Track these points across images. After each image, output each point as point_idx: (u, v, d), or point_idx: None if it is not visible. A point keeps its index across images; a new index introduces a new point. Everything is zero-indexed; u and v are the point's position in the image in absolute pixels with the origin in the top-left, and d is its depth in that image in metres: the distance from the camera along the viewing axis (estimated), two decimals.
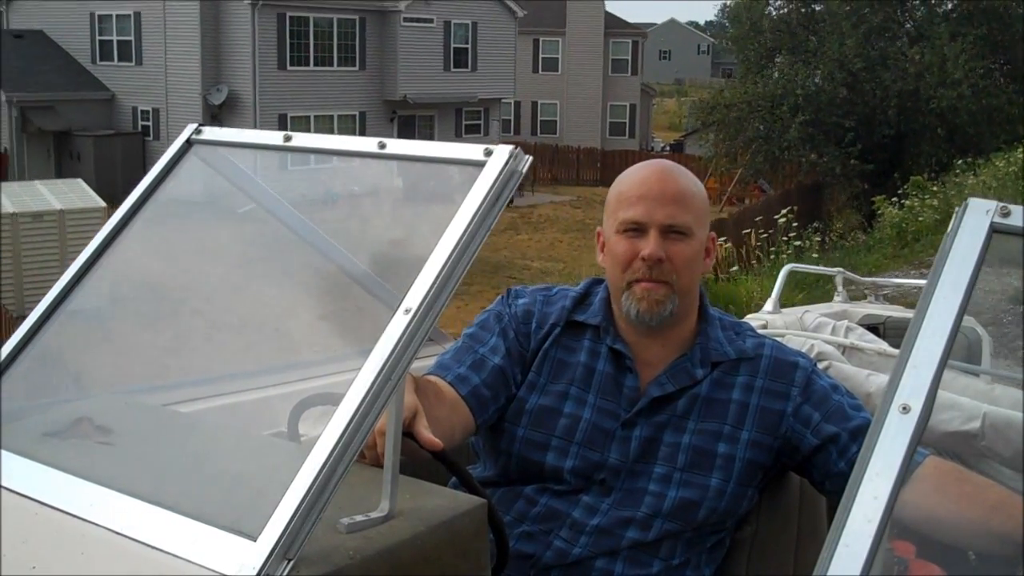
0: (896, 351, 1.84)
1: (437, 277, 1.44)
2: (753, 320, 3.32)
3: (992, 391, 2.86)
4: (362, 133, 29.18)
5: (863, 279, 4.29)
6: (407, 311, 1.41)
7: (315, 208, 2.25)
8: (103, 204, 17.84)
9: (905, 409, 1.22)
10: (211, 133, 1.91)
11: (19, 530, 1.45)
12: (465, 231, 1.48)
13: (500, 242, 25.11)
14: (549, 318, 2.12)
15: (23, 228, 16.61)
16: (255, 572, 1.26)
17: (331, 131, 28.92)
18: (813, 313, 3.52)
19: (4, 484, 1.52)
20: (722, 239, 12.26)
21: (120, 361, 2.09)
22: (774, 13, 28.99)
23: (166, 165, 1.89)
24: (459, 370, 2.03)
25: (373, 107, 31.65)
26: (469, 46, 33.45)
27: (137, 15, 30.21)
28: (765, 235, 13.86)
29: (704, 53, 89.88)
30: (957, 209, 1.36)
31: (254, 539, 1.29)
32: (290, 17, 29.29)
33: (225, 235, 2.29)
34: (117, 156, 28.64)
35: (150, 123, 30.38)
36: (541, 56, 43.16)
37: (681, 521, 2.00)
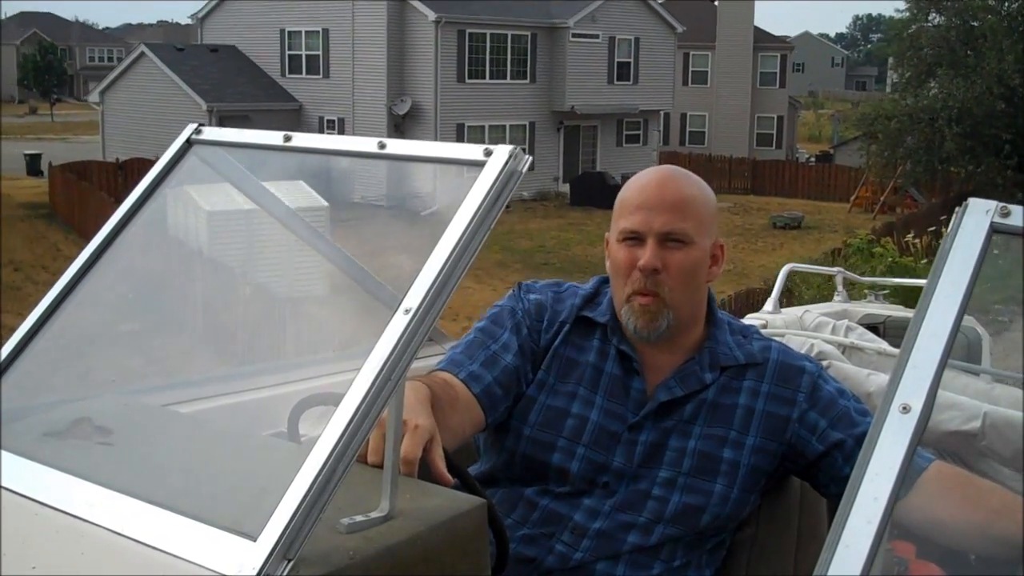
0: (896, 351, 1.84)
1: (437, 277, 1.44)
2: (753, 320, 3.32)
3: (992, 391, 2.87)
4: (531, 142, 33.12)
5: (863, 279, 4.29)
6: (407, 311, 1.41)
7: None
8: (326, 203, 18.67)
9: (905, 409, 1.22)
10: (211, 133, 1.91)
11: (19, 530, 1.45)
12: (465, 231, 1.48)
13: None
14: (560, 315, 2.11)
15: (256, 224, 17.58)
16: (255, 572, 1.26)
17: (503, 140, 31.17)
18: (813, 313, 3.52)
19: (4, 484, 1.52)
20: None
21: (120, 361, 2.09)
22: (932, 29, 29.99)
23: (166, 165, 1.89)
24: (472, 367, 2.01)
25: (542, 117, 34.13)
26: (631, 60, 35.73)
27: (326, 31, 32.78)
28: (928, 239, 14.61)
29: (838, 65, 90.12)
30: (957, 209, 1.36)
31: (254, 539, 1.29)
32: (469, 33, 31.97)
33: (225, 235, 2.29)
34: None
35: (335, 131, 31.84)
36: (691, 69, 44.96)
37: (683, 526, 1.99)
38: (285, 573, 1.27)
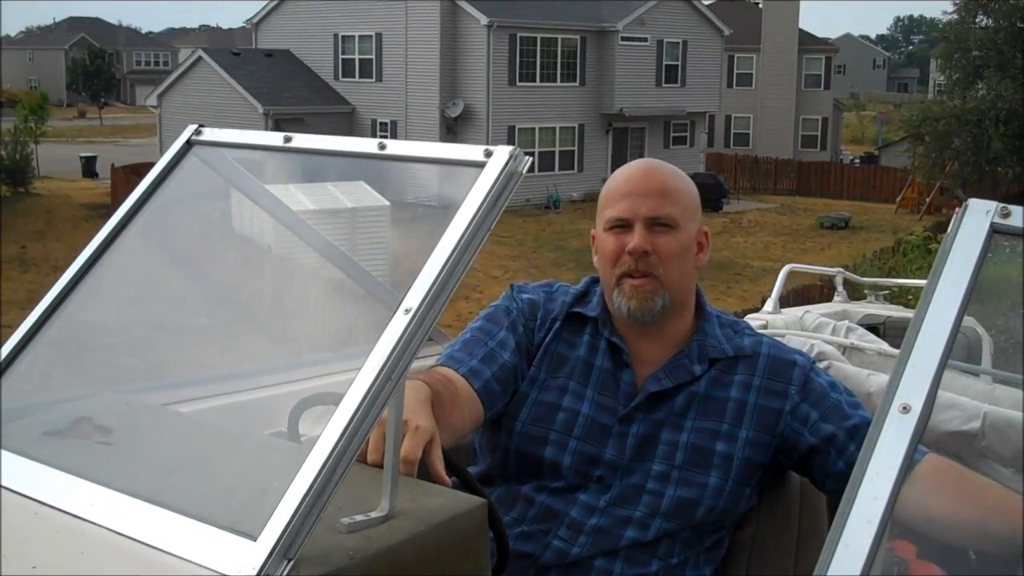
0: (896, 351, 1.84)
1: (437, 277, 1.44)
2: (753, 320, 3.32)
3: (992, 391, 2.87)
4: (580, 144, 34.04)
5: (863, 279, 4.29)
6: (407, 311, 1.41)
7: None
8: (387, 203, 19.68)
9: (905, 409, 1.22)
10: (211, 133, 1.91)
11: (19, 530, 1.45)
12: (465, 232, 1.48)
13: (719, 243, 27.18)
14: (552, 312, 2.14)
15: (322, 224, 18.21)
16: (255, 572, 1.26)
17: (553, 142, 33.40)
18: (813, 313, 3.52)
19: (4, 484, 1.52)
20: None
21: (120, 361, 2.09)
22: (980, 31, 30.38)
23: (166, 165, 1.89)
24: (471, 363, 2.03)
25: (591, 120, 34.55)
26: (679, 63, 36.18)
27: (379, 36, 33.42)
28: None
29: (880, 67, 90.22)
30: (957, 210, 1.36)
31: (254, 539, 1.29)
32: (520, 37, 32.54)
33: (225, 235, 2.29)
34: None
35: (388, 134, 32.97)
36: (736, 71, 45.45)
37: (679, 520, 2.00)
38: (285, 573, 1.27)
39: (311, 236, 2.24)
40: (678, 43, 35.93)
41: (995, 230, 1.32)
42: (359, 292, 2.30)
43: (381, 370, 1.37)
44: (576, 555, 1.97)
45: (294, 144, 1.80)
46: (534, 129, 33.02)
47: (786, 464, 2.10)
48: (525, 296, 2.17)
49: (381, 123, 33.52)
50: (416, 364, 1.47)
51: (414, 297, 1.43)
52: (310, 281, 2.40)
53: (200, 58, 34.25)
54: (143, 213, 1.87)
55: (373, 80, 33.75)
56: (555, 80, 33.61)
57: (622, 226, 2.03)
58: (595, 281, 2.18)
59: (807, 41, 46.68)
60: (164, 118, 34.89)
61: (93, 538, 1.40)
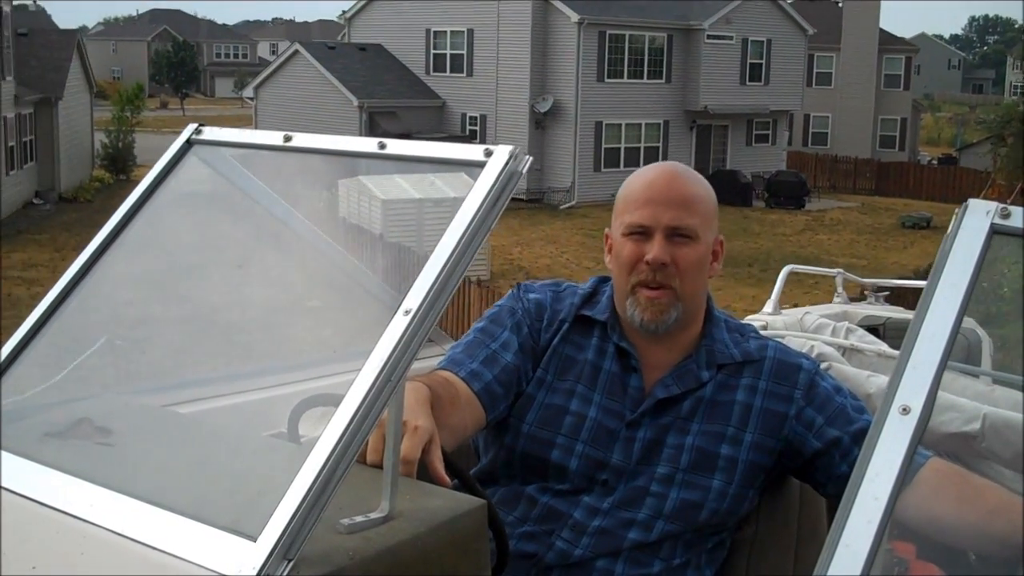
0: (896, 352, 1.84)
1: (437, 278, 1.44)
2: (753, 321, 3.32)
3: (992, 392, 2.87)
4: (665, 140, 34.56)
5: (863, 280, 4.29)
6: (407, 312, 1.41)
7: None
8: None
9: (905, 410, 1.22)
10: (211, 133, 1.91)
11: (19, 530, 1.45)
12: (465, 231, 1.48)
13: (803, 240, 28.19)
14: (559, 314, 2.12)
15: (426, 212, 19.40)
16: (255, 572, 1.26)
17: (639, 138, 33.98)
18: (813, 314, 3.52)
19: (4, 484, 1.52)
20: None
21: (120, 361, 2.09)
22: None
23: (166, 165, 1.89)
24: (472, 366, 2.01)
25: (676, 116, 35.02)
26: (763, 61, 36.57)
27: (470, 31, 33.94)
28: None
29: (955, 68, 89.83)
30: (957, 210, 1.36)
31: (254, 539, 1.29)
32: (609, 35, 33.02)
33: (225, 235, 2.29)
34: None
35: (477, 128, 33.85)
36: (815, 70, 45.56)
37: (682, 522, 2.00)
38: (285, 573, 1.27)
39: (311, 235, 2.24)
40: (763, 42, 36.30)
41: (995, 230, 1.32)
42: (359, 292, 2.30)
43: (381, 371, 1.37)
44: (579, 556, 1.97)
45: (294, 144, 1.80)
46: (620, 125, 33.56)
47: (789, 468, 2.09)
48: (531, 296, 2.15)
49: (471, 117, 34.12)
50: (416, 365, 1.47)
51: (414, 298, 1.43)
52: (310, 281, 2.40)
53: (297, 51, 35.20)
54: (143, 213, 1.87)
55: (464, 75, 34.25)
56: (642, 77, 34.18)
57: (641, 233, 2.00)
58: (603, 281, 2.16)
59: (887, 41, 46.84)
60: (260, 110, 36.25)
61: (93, 539, 1.40)
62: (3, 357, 1.73)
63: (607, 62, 33.11)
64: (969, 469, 2.54)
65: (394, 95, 34.01)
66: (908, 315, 3.74)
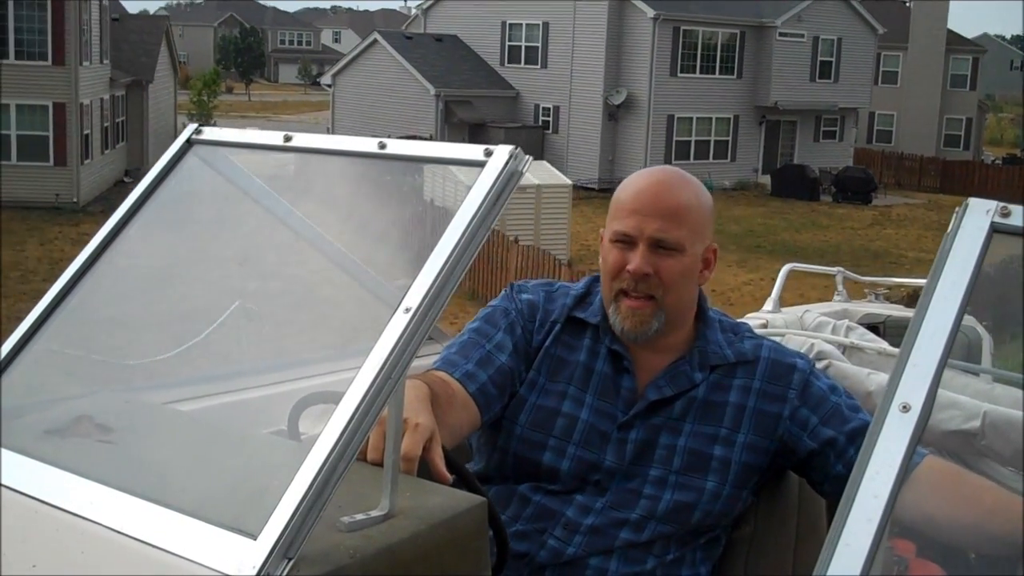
0: (896, 350, 1.84)
1: (437, 276, 1.44)
2: (753, 319, 3.32)
3: (992, 390, 2.87)
4: (735, 135, 35.66)
5: (863, 278, 4.29)
6: (407, 310, 1.41)
7: None
8: (569, 182, 22.38)
9: (905, 408, 1.22)
10: (211, 133, 1.91)
11: (19, 529, 1.45)
12: (465, 231, 1.48)
13: (872, 234, 28.68)
14: (551, 315, 2.12)
15: (512, 197, 20.35)
16: (255, 571, 1.26)
17: (709, 132, 35.04)
18: (813, 312, 3.52)
19: (4, 482, 1.52)
20: None
21: (120, 359, 2.09)
22: None
23: (166, 165, 1.89)
24: (467, 366, 2.01)
25: (745, 112, 36.02)
26: (833, 59, 37.42)
27: (546, 24, 34.95)
28: None
29: (1017, 69, 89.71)
30: (957, 209, 1.36)
31: (254, 538, 1.29)
32: (683, 30, 33.99)
33: (224, 234, 2.29)
34: (522, 145, 32.47)
35: (550, 119, 34.98)
36: (881, 69, 46.04)
37: (675, 523, 2.00)
38: (285, 572, 1.27)
39: (311, 234, 2.24)
40: (833, 40, 36.98)
41: (995, 229, 1.32)
42: (359, 291, 2.29)
43: (381, 369, 1.37)
44: (571, 555, 1.97)
45: (294, 143, 1.80)
46: (692, 118, 34.43)
47: (785, 466, 2.09)
48: (524, 296, 2.14)
49: (544, 108, 35.00)
50: (416, 363, 1.47)
51: (414, 296, 1.43)
52: (310, 279, 2.40)
53: (375, 41, 36.20)
54: (143, 212, 1.87)
55: (538, 67, 35.11)
56: (714, 72, 34.94)
57: (626, 242, 1.99)
58: (596, 281, 2.15)
59: (953, 41, 47.20)
60: (337, 96, 37.29)
61: (93, 537, 1.40)
62: (3, 356, 1.73)
63: (680, 57, 34.01)
64: (969, 467, 2.54)
65: (469, 85, 34.78)
66: (908, 313, 3.74)
